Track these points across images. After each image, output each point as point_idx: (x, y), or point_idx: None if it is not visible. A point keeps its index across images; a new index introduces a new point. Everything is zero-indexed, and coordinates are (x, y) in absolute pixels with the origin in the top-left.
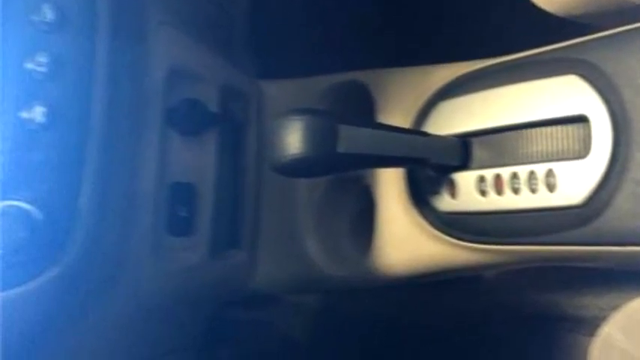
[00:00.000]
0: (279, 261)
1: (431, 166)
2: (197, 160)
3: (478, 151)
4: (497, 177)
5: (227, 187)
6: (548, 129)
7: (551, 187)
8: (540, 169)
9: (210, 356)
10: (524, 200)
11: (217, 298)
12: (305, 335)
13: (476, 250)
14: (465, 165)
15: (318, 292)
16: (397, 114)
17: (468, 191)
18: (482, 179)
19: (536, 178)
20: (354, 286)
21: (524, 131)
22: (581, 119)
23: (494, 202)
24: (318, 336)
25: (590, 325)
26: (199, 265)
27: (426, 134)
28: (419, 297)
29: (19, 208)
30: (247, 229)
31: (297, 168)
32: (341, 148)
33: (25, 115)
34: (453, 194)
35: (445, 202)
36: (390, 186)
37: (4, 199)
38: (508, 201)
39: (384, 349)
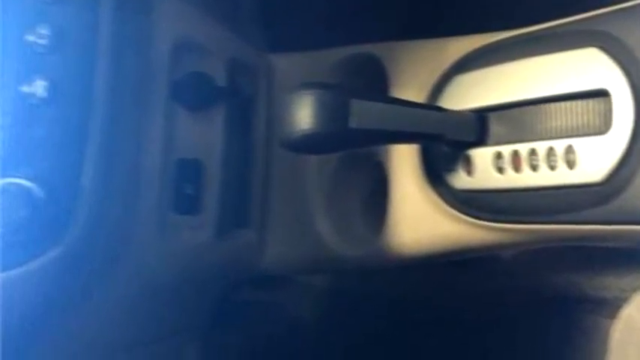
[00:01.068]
0: (288, 240)
1: (446, 142)
2: (204, 136)
3: (495, 127)
4: (515, 153)
5: (235, 163)
6: (568, 104)
7: (570, 164)
8: (559, 145)
9: (217, 339)
10: (543, 177)
11: (225, 279)
12: (315, 317)
13: (492, 229)
14: (481, 141)
15: (329, 272)
16: (411, 88)
17: (485, 168)
18: (499, 156)
19: (555, 155)
20: (366, 266)
21: (542, 106)
22: (602, 93)
23: (512, 179)
24: (328, 318)
25: (612, 306)
26: (206, 245)
27: (441, 109)
28: (433, 278)
29: (19, 185)
30: (256, 207)
31: (308, 144)
32: (353, 124)
33: (25, 89)
34: (469, 171)
35: (461, 180)
36: (403, 163)
37: (4, 176)
38: (526, 178)
39: (396, 332)
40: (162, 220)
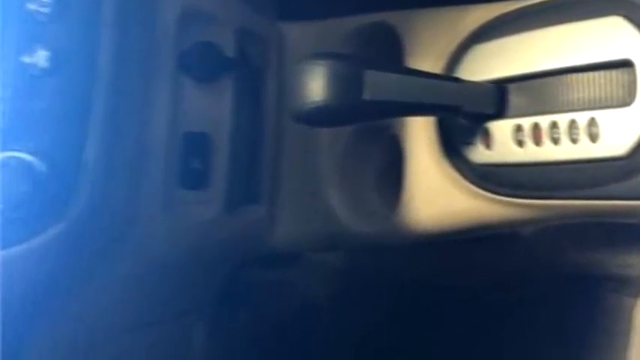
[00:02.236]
0: (300, 217)
1: (464, 115)
2: (212, 109)
3: (515, 99)
4: (536, 126)
5: (244, 137)
6: (590, 74)
7: (593, 137)
8: (582, 117)
9: (226, 319)
10: (565, 151)
11: (234, 257)
12: (328, 297)
13: (512, 204)
14: (500, 113)
15: (342, 250)
16: (428, 58)
17: (504, 141)
18: (519, 128)
19: (577, 128)
20: (380, 243)
21: (564, 77)
22: (626, 64)
23: (532, 153)
24: (341, 297)
25: (636, 285)
26: (214, 221)
27: (458, 80)
28: (450, 255)
29: (20, 159)
30: (266, 182)
31: (320, 117)
32: (367, 95)
33: (26, 59)
34: (487, 145)
35: (479, 153)
36: (419, 136)
37: (4, 149)
38: (547, 152)
39: (412, 311)
40: (169, 195)
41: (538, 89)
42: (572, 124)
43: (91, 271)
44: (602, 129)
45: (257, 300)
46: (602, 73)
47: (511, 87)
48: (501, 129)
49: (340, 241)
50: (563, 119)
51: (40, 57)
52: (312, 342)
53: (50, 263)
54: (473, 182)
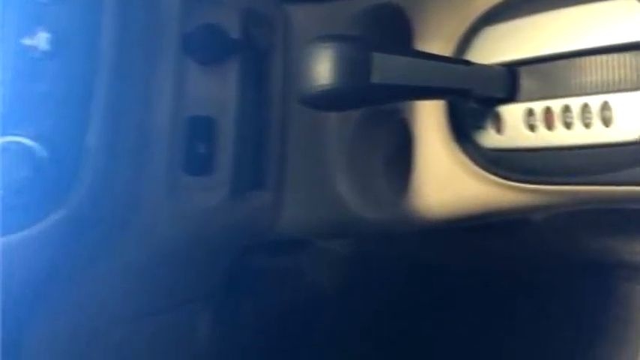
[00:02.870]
0: (307, 202)
1: (474, 98)
2: (217, 92)
3: (526, 82)
4: (548, 110)
5: (250, 121)
6: (604, 57)
7: (606, 121)
8: (595, 101)
9: (231, 307)
10: (577, 135)
11: (239, 244)
12: (335, 285)
13: (523, 190)
14: (511, 97)
15: (350, 236)
16: (437, 41)
17: (515, 126)
18: (530, 112)
19: (590, 112)
20: (389, 230)
21: (577, 60)
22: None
23: (544, 137)
24: (349, 285)
25: None
26: (219, 208)
27: (469, 63)
28: (460, 242)
29: (21, 144)
30: (272, 167)
31: (327, 100)
32: (375, 79)
33: (27, 41)
34: (498, 129)
35: (490, 138)
36: (429, 120)
37: (4, 134)
38: (559, 136)
39: (421, 299)
40: (173, 181)
41: (550, 72)
42: (585, 108)
43: (93, 259)
44: (616, 113)
45: (263, 287)
46: (615, 55)
47: (522, 70)
48: (512, 113)
49: (348, 228)
50: (575, 103)
51: (41, 39)
52: (318, 330)
53: (51, 250)
54: (483, 167)
